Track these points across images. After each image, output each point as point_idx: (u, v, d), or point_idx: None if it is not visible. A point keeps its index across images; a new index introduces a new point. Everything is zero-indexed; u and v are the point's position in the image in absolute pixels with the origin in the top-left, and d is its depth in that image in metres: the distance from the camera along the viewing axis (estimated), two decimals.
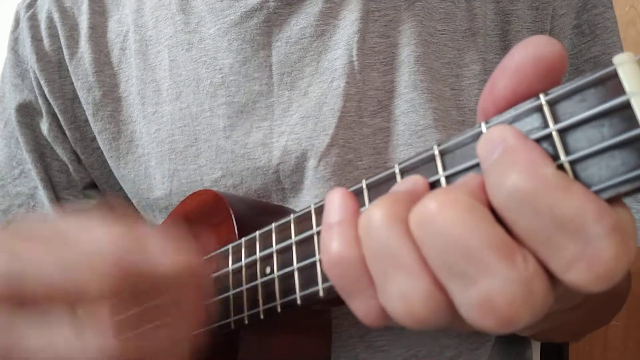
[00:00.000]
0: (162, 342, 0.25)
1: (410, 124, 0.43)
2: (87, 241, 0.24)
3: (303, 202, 0.44)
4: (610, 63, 0.18)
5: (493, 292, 0.18)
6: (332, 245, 0.23)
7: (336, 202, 0.24)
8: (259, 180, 0.44)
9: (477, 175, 0.21)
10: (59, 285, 0.23)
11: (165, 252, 0.25)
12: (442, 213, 0.19)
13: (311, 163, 0.43)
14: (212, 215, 0.40)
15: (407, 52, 0.44)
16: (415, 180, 0.23)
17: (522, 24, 0.45)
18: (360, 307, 0.23)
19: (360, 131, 0.43)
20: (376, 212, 0.21)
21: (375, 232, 0.21)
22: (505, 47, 0.45)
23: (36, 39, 0.52)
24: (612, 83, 0.18)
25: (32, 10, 0.53)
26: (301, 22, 0.45)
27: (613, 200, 0.18)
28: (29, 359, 0.23)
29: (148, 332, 0.24)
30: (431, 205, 0.20)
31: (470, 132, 0.22)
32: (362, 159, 0.43)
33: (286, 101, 0.45)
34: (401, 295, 0.20)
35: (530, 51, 0.20)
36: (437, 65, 0.44)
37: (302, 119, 0.44)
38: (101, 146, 0.51)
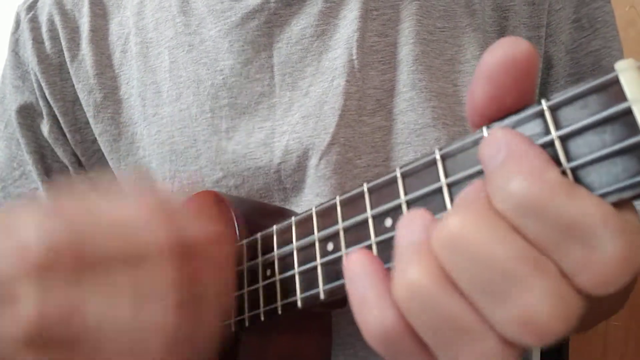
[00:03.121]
0: (211, 319, 0.25)
1: (409, 123, 0.43)
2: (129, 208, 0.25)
3: (305, 201, 0.44)
4: (612, 69, 0.18)
5: (534, 308, 0.17)
6: (370, 320, 0.21)
7: (361, 268, 0.22)
8: (261, 180, 0.44)
9: (483, 184, 0.20)
10: (119, 248, 0.23)
11: (195, 222, 0.26)
12: (468, 230, 0.18)
13: (312, 162, 0.43)
14: (213, 216, 0.40)
15: (405, 51, 0.44)
16: (423, 217, 0.21)
17: (519, 19, 0.46)
18: None
19: (360, 129, 0.43)
20: (416, 276, 0.19)
21: (422, 301, 0.19)
22: None
23: (37, 41, 0.52)
24: (613, 89, 0.18)
25: (32, 12, 0.53)
26: (302, 22, 0.45)
27: (620, 204, 0.18)
28: (87, 327, 0.23)
29: (200, 310, 0.25)
30: (454, 224, 0.19)
31: (472, 137, 0.22)
32: (362, 157, 0.43)
33: (288, 101, 0.45)
34: None
35: (498, 54, 0.20)
36: (438, 63, 0.44)
37: (303, 118, 0.44)
38: (102, 148, 0.51)
